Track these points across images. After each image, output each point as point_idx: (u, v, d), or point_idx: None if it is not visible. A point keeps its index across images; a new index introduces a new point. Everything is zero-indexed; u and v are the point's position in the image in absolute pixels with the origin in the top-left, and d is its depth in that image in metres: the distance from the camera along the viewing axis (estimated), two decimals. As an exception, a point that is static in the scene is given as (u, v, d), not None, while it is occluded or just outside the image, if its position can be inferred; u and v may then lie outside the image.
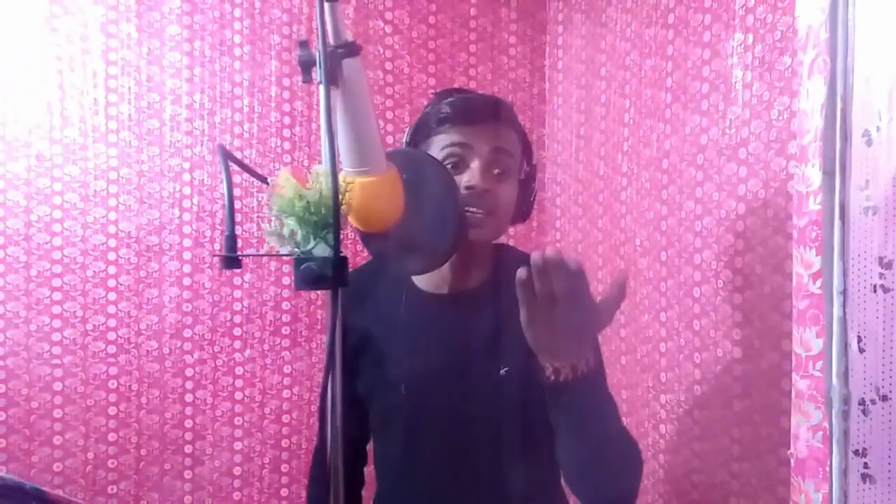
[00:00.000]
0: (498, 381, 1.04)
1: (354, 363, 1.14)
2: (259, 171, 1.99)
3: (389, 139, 2.09)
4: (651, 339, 1.71)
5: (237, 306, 1.99)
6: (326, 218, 0.76)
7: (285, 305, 2.03)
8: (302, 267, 0.74)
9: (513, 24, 2.20)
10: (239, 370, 2.00)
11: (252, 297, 2.00)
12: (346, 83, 0.82)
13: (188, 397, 1.95)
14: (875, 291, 0.54)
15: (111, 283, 1.88)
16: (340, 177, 0.84)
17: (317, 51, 0.79)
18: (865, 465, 0.56)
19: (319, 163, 0.81)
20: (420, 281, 1.15)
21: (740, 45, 1.38)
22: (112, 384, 1.89)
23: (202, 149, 1.94)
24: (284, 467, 2.04)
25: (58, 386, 1.85)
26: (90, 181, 1.86)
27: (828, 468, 0.57)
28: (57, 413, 1.85)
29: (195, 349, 1.96)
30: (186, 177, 1.93)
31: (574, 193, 2.08)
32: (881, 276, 0.54)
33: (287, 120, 2.01)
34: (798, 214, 0.60)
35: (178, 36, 1.91)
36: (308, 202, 0.76)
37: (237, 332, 1.99)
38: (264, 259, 2.00)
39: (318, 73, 0.79)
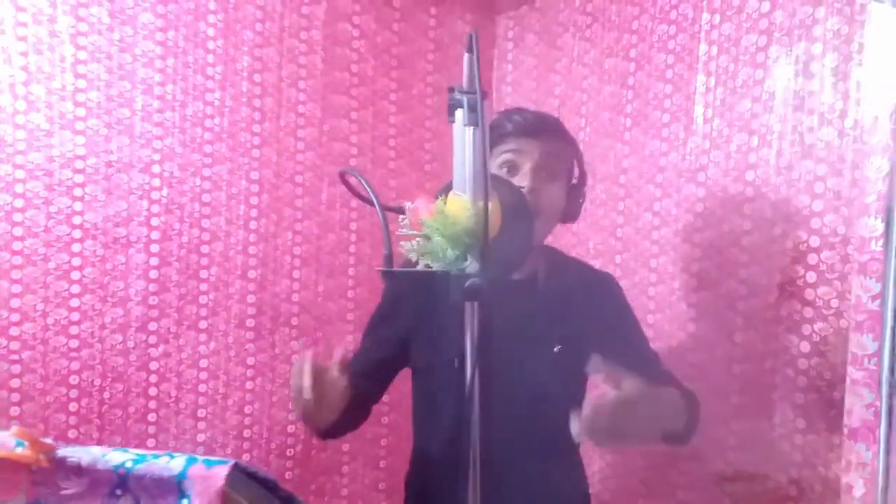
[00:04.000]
0: (551, 357, 1.23)
1: (407, 340, 1.31)
2: (229, 165, 2.02)
3: (353, 138, 2.18)
4: (602, 331, 1.96)
5: (203, 299, 2.00)
6: (476, 240, 0.89)
7: (250, 299, 2.06)
8: (468, 283, 0.87)
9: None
10: (203, 363, 2.01)
11: (218, 291, 2.02)
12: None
13: (152, 391, 1.94)
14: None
15: (75, 275, 1.82)
16: (469, 204, 0.96)
17: (463, 96, 0.91)
18: (906, 431, 0.81)
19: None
20: None
21: (703, 85, 1.65)
22: (73, 380, 1.84)
23: (173, 140, 1.92)
24: (246, 457, 2.08)
25: (15, 383, 1.77)
26: (55, 169, 1.79)
27: (877, 434, 0.81)
28: (14, 410, 1.77)
29: (160, 343, 1.94)
30: (156, 168, 1.90)
31: (521, 197, 2.28)
32: (925, 298, 0.80)
33: (257, 115, 2.03)
34: (860, 252, 0.84)
35: (151, 25, 1.87)
36: (464, 227, 0.89)
37: (203, 325, 2.00)
38: (230, 252, 2.03)
39: (462, 116, 0.92)
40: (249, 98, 2.02)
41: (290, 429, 2.13)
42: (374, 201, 0.90)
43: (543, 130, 1.26)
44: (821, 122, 1.40)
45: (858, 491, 0.91)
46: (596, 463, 1.89)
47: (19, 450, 0.76)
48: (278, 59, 2.05)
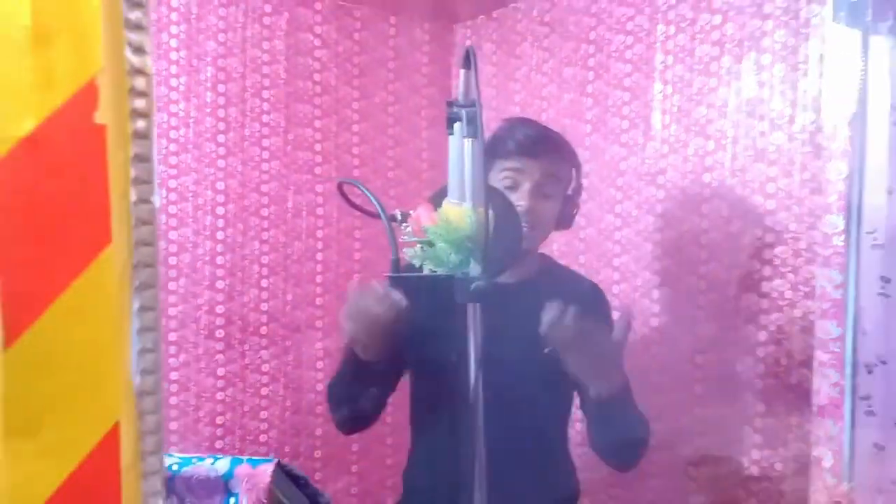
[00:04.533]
0: (541, 358, 1.29)
1: (410, 341, 1.33)
2: (194, 175, 2.01)
3: (318, 147, 2.20)
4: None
5: (171, 311, 1.98)
6: (478, 245, 0.95)
7: (219, 309, 2.06)
8: (473, 286, 0.92)
9: (425, 46, 2.41)
10: (174, 375, 1.99)
11: (186, 302, 2.01)
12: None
13: (122, 406, 1.91)
14: (878, 297, 0.89)
15: (40, 291, 1.79)
16: (471, 211, 1.01)
17: (462, 110, 0.96)
18: (868, 405, 0.90)
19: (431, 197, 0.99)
20: None
21: (660, 93, 1.75)
22: (41, 398, 1.80)
23: (137, 152, 1.90)
24: (218, 468, 2.07)
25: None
26: (17, 184, 1.75)
27: (843, 409, 0.90)
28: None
29: (129, 357, 1.92)
30: (121, 181, 1.88)
31: (483, 202, 2.35)
32: (882, 287, 0.89)
33: (222, 126, 2.03)
34: (823, 247, 0.94)
35: (112, 35, 1.85)
36: (466, 234, 0.94)
37: (172, 337, 1.99)
38: (198, 263, 2.02)
39: (461, 128, 0.97)
40: (213, 108, 2.02)
41: (263, 438, 2.13)
42: (381, 211, 0.94)
43: (545, 151, 1.31)
44: (772, 128, 1.51)
45: (828, 463, 1.00)
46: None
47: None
48: (241, 69, 2.06)
